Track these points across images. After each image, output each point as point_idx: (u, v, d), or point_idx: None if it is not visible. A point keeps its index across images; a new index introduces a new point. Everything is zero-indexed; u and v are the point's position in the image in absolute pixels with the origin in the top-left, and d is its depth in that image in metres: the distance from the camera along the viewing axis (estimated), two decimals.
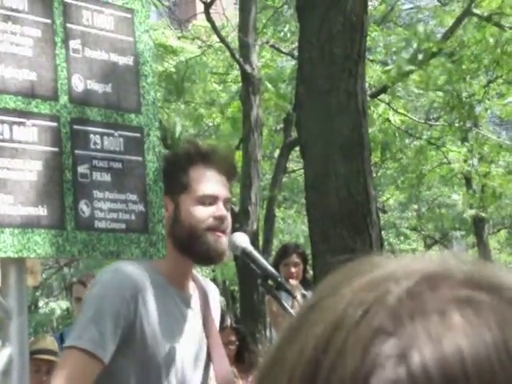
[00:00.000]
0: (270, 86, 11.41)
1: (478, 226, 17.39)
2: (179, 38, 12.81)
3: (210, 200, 2.45)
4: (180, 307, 2.47)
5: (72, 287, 5.41)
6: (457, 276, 0.50)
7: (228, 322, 5.13)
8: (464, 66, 11.21)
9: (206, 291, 2.59)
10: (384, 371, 0.46)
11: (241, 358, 4.98)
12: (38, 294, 19.81)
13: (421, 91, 12.22)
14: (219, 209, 2.45)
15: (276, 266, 5.09)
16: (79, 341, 2.27)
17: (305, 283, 5.66)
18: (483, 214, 15.85)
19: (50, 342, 4.71)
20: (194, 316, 2.51)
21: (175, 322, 2.44)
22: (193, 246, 2.43)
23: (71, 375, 2.25)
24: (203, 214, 2.43)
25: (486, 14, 11.08)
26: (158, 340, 2.37)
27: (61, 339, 5.05)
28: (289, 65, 14.05)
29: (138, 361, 2.36)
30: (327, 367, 0.48)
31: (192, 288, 2.54)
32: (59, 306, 19.54)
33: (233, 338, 5.03)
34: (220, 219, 2.44)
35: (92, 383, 2.26)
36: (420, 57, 10.31)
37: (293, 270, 5.54)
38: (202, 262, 2.63)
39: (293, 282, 5.33)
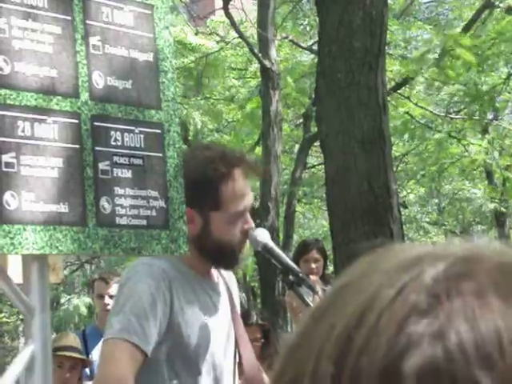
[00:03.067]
0: (289, 80, 11.39)
1: (499, 220, 17.29)
2: (196, 33, 12.80)
3: (242, 214, 2.46)
4: (210, 295, 2.50)
5: (94, 284, 5.41)
6: (491, 259, 0.50)
7: (254, 319, 5.12)
8: (484, 59, 11.14)
9: (227, 280, 2.62)
10: (419, 349, 0.46)
11: (266, 354, 4.98)
12: (59, 290, 19.92)
13: (441, 84, 12.16)
14: (247, 221, 2.47)
15: (296, 261, 5.07)
16: (122, 333, 2.26)
17: (325, 279, 5.65)
18: (503, 209, 15.75)
19: (72, 338, 4.73)
20: (223, 302, 2.54)
21: (207, 309, 2.46)
22: (221, 257, 2.49)
23: (119, 363, 2.24)
24: (235, 230, 2.46)
25: (505, 6, 11.00)
26: (195, 329, 2.40)
27: (83, 336, 5.06)
28: (308, 59, 14.02)
29: (175, 350, 2.37)
30: (359, 344, 0.47)
31: (216, 276, 2.57)
32: (83, 302, 19.62)
33: (258, 335, 5.03)
34: (247, 232, 2.47)
35: (135, 372, 2.25)
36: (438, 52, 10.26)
37: (313, 265, 5.53)
38: (225, 268, 2.65)
39: (313, 277, 5.32)
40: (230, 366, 2.55)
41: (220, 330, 2.49)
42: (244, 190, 2.47)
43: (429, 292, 0.48)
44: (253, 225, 2.50)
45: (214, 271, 2.57)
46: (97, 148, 2.09)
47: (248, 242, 2.50)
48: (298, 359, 0.50)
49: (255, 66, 12.83)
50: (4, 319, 20.14)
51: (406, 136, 13.20)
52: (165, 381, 2.37)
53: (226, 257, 2.47)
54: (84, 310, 19.44)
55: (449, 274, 0.49)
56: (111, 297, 4.85)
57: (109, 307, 4.80)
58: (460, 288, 0.48)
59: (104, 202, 2.09)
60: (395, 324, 0.47)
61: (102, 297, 5.12)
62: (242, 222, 2.47)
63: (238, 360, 2.59)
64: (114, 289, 4.82)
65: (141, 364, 2.26)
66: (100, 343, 2.55)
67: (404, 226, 11.11)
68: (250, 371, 2.54)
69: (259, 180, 10.77)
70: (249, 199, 2.49)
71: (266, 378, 3.51)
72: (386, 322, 0.47)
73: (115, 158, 2.13)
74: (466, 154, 14.00)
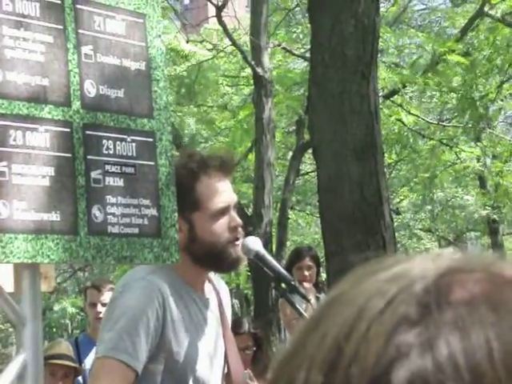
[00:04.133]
0: (280, 88, 11.40)
1: (492, 227, 17.31)
2: (187, 41, 12.81)
3: (223, 211, 2.45)
4: (202, 311, 2.49)
5: (86, 292, 5.39)
6: (481, 270, 0.50)
7: (246, 327, 5.11)
8: (477, 67, 11.17)
9: (219, 291, 2.61)
10: (408, 360, 0.46)
11: (257, 362, 4.97)
12: (52, 299, 19.86)
13: (433, 92, 12.19)
14: (233, 218, 2.46)
15: (289, 269, 5.08)
16: (114, 351, 2.26)
17: (318, 286, 5.65)
18: (495, 217, 15.78)
19: (65, 347, 4.72)
20: (213, 318, 2.53)
21: (199, 326, 2.46)
22: (213, 260, 2.46)
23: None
24: (220, 228, 2.44)
25: (498, 15, 11.04)
26: (185, 345, 2.39)
27: (76, 344, 5.04)
28: (300, 66, 14.04)
29: (165, 366, 2.36)
30: (349, 355, 0.47)
31: (209, 290, 2.56)
32: (73, 304, 19.53)
33: (250, 343, 5.02)
34: (236, 229, 2.46)
35: None
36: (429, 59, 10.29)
37: (306, 273, 5.53)
38: (221, 271, 2.65)
39: (306, 285, 5.32)
40: (218, 380, 2.54)
41: (208, 347, 2.48)
42: (221, 187, 2.47)
43: (419, 302, 0.47)
44: (240, 222, 2.49)
45: (207, 285, 2.56)
46: (89, 157, 2.09)
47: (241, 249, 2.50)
48: (290, 368, 0.50)
49: (248, 73, 12.85)
50: None
51: (399, 147, 13.22)
52: None
53: (216, 258, 2.44)
54: (72, 311, 19.33)
55: (439, 285, 0.48)
56: (104, 305, 4.83)
57: (101, 315, 4.78)
58: (450, 298, 0.47)
59: (96, 211, 2.09)
60: (384, 334, 0.47)
61: (94, 305, 5.08)
62: (227, 220, 2.46)
63: (226, 372, 2.59)
64: (106, 296, 4.80)
65: (132, 382, 2.26)
66: (93, 351, 2.54)
67: (397, 233, 11.10)
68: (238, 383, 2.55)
69: (252, 187, 10.77)
70: (229, 196, 2.48)
71: None
72: (376, 332, 0.47)
73: (107, 167, 2.13)
74: (459, 161, 14.03)
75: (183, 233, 2.42)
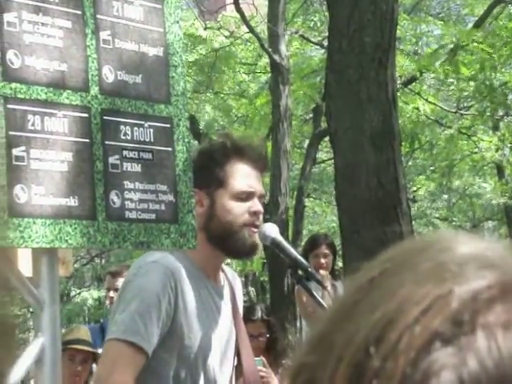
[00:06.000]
0: (299, 76, 11.37)
1: (510, 216, 17.22)
2: (205, 28, 12.79)
3: (246, 196, 2.45)
4: (214, 299, 2.48)
5: (106, 278, 5.55)
6: None
7: (259, 314, 5.13)
8: (496, 55, 11.09)
9: (232, 283, 2.61)
10: (437, 381, 0.43)
11: (271, 349, 4.98)
12: (69, 284, 19.98)
13: (451, 80, 12.12)
14: (255, 204, 2.46)
15: (305, 256, 5.08)
16: (125, 333, 2.26)
17: (334, 274, 5.65)
18: None
19: (84, 332, 4.74)
20: (226, 307, 2.52)
21: (211, 313, 2.45)
22: (228, 241, 2.44)
23: (118, 366, 2.25)
24: (240, 209, 2.44)
25: None
26: (196, 332, 2.38)
27: (101, 329, 5.10)
28: (317, 54, 14.00)
29: (176, 352, 2.36)
30: (377, 365, 0.45)
31: (222, 279, 2.56)
32: (91, 295, 19.72)
33: (263, 330, 5.03)
34: (256, 215, 2.46)
35: (136, 375, 2.26)
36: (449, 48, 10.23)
37: (322, 260, 5.53)
38: (236, 256, 2.64)
39: (323, 272, 5.33)
40: (227, 375, 2.53)
41: (219, 335, 2.48)
42: (251, 174, 2.48)
43: (454, 318, 0.45)
44: (261, 209, 2.49)
45: (221, 275, 2.56)
46: (106, 142, 2.10)
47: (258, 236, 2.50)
48: (316, 361, 0.49)
49: (265, 61, 12.83)
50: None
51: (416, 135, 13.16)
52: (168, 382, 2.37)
53: (230, 238, 2.43)
54: (92, 303, 19.52)
55: (478, 299, 0.45)
56: (116, 290, 4.94)
57: (114, 300, 4.87)
58: (487, 317, 0.45)
59: (113, 196, 2.09)
60: (415, 349, 0.45)
61: (108, 290, 5.28)
62: (250, 204, 2.46)
63: (237, 363, 2.59)
64: (120, 283, 4.87)
65: (142, 364, 2.27)
66: None
67: (414, 222, 11.06)
68: (249, 376, 2.55)
69: (269, 175, 10.76)
70: (257, 185, 2.49)
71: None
72: (406, 345, 0.45)
73: (125, 152, 2.14)
74: (477, 150, 13.95)
75: (203, 208, 2.43)
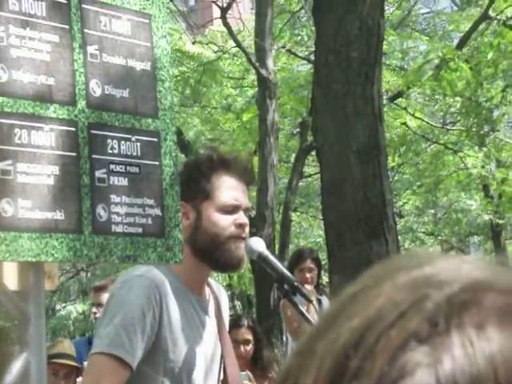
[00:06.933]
0: (286, 90, 11.40)
1: (495, 232, 17.29)
2: (193, 42, 12.83)
3: (232, 208, 2.46)
4: (199, 314, 2.48)
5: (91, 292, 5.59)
6: (500, 287, 0.48)
7: (245, 321, 5.14)
8: (482, 72, 11.17)
9: (218, 296, 2.60)
10: (412, 379, 0.45)
11: (258, 359, 4.99)
12: (55, 298, 19.88)
13: (437, 96, 12.19)
14: (241, 217, 2.47)
15: (291, 270, 5.09)
16: (109, 347, 2.26)
17: (319, 288, 5.66)
18: (499, 221, 15.75)
19: (67, 346, 4.73)
20: (210, 322, 2.52)
21: (195, 328, 2.45)
22: (214, 254, 2.43)
23: (102, 380, 2.24)
24: (226, 222, 2.44)
25: (503, 19, 11.04)
26: (181, 346, 2.38)
27: (88, 342, 5.08)
28: (304, 69, 14.05)
29: (161, 369, 2.35)
30: (356, 366, 0.47)
31: (208, 294, 2.55)
32: (75, 309, 19.63)
33: (249, 337, 5.04)
34: (241, 227, 2.46)
35: None
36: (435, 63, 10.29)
37: (307, 275, 5.54)
38: (221, 269, 2.64)
39: (308, 287, 5.33)
40: None
41: (204, 350, 2.47)
42: (237, 187, 2.49)
43: (429, 320, 0.46)
44: (247, 222, 2.49)
45: (207, 290, 2.56)
46: (93, 156, 2.10)
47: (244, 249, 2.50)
48: (299, 368, 0.50)
49: (252, 76, 12.86)
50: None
51: (403, 149, 13.21)
52: None
53: (216, 250, 2.42)
54: (76, 317, 19.43)
55: (452, 302, 0.47)
56: (99, 305, 4.99)
57: (97, 315, 4.93)
58: (461, 318, 0.46)
59: (100, 210, 2.09)
60: (391, 349, 0.46)
61: (92, 305, 5.37)
62: (235, 217, 2.47)
63: (223, 378, 2.59)
64: (103, 298, 4.90)
65: (126, 378, 2.26)
66: None
67: (400, 237, 11.09)
68: None
69: (255, 189, 10.77)
70: (243, 199, 2.49)
71: None
72: (383, 346, 0.46)
73: (112, 166, 2.14)
74: (463, 165, 14.01)
75: (189, 220, 2.43)
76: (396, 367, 0.45)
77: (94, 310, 5.38)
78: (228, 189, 2.48)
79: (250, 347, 5.01)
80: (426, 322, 0.46)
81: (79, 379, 4.71)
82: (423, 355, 0.45)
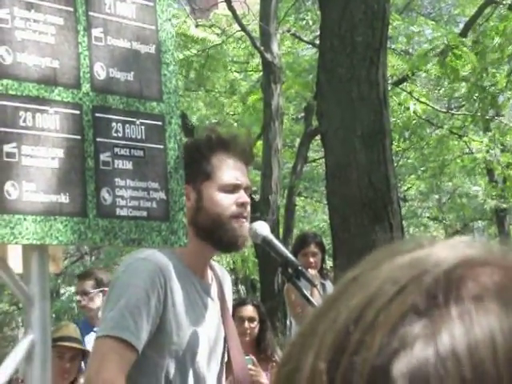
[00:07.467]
0: (291, 74, 11.37)
1: (500, 217, 17.28)
2: (196, 26, 12.78)
3: (233, 188, 2.46)
4: (201, 296, 2.48)
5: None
6: (496, 263, 0.49)
7: (249, 300, 5.20)
8: (487, 56, 11.12)
9: (221, 280, 2.61)
10: (411, 351, 0.45)
11: (259, 344, 5.01)
12: (59, 281, 19.95)
13: (443, 81, 12.15)
14: (242, 196, 2.47)
15: (295, 255, 5.09)
16: (114, 330, 2.26)
17: (322, 273, 5.66)
18: (504, 205, 15.74)
19: (72, 329, 4.74)
20: (213, 305, 2.52)
21: (198, 311, 2.45)
22: (217, 234, 2.44)
23: (108, 363, 2.24)
24: (227, 201, 2.45)
25: (509, 3, 10.98)
26: (185, 329, 2.38)
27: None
28: (309, 53, 14.01)
29: (166, 352, 2.36)
30: (356, 340, 0.47)
31: (210, 277, 2.56)
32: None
33: (254, 315, 5.06)
34: (243, 206, 2.46)
35: (127, 372, 2.25)
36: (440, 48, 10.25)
37: (311, 259, 5.54)
38: (224, 249, 2.64)
39: (311, 271, 5.33)
40: (214, 372, 2.53)
41: (207, 333, 2.48)
42: (236, 167, 2.50)
43: (428, 293, 0.47)
44: (248, 200, 2.50)
45: (210, 272, 2.56)
46: (98, 139, 2.10)
47: (248, 234, 2.50)
48: (299, 351, 0.51)
49: (257, 60, 12.82)
50: (5, 308, 20.19)
51: (407, 133, 13.19)
52: (159, 379, 2.36)
53: (219, 230, 2.43)
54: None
55: (451, 276, 0.48)
56: (82, 293, 5.17)
57: (83, 303, 5.26)
58: (459, 291, 0.47)
59: (105, 193, 2.09)
60: (391, 323, 0.47)
61: (76, 294, 5.49)
62: (237, 196, 2.47)
63: (227, 360, 2.59)
64: (87, 286, 5.27)
65: (133, 360, 2.26)
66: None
67: (404, 222, 11.10)
68: (239, 373, 2.55)
69: (260, 174, 10.77)
70: (243, 178, 2.50)
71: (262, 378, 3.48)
72: (382, 320, 0.47)
73: (116, 150, 2.14)
74: (467, 150, 13.98)
75: (190, 202, 2.44)
76: (396, 339, 0.46)
77: (78, 297, 5.41)
78: (228, 168, 2.48)
79: (254, 324, 5.03)
80: (424, 295, 0.47)
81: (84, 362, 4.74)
82: (422, 328, 0.46)
